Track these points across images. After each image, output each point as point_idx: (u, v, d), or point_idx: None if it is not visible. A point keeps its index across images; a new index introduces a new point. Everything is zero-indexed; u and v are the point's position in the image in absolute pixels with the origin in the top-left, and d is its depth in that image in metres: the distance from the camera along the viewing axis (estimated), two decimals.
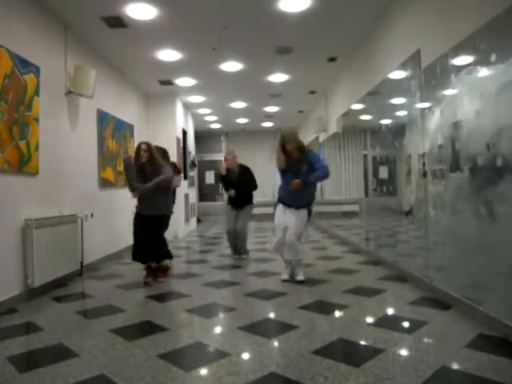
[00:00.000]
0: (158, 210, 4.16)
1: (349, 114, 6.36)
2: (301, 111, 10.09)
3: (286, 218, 3.98)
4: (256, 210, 11.66)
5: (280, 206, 4.08)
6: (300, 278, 3.98)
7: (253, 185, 5.43)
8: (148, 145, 4.21)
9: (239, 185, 5.33)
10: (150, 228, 4.14)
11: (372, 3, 4.24)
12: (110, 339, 2.58)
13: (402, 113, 4.29)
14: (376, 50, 4.85)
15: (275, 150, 4.16)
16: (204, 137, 12.67)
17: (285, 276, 4.06)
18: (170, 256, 4.38)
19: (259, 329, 2.71)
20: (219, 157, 13.09)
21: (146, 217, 4.13)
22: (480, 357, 2.16)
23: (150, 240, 4.14)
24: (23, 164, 3.59)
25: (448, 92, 3.14)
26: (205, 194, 12.84)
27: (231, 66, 6.14)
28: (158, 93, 7.61)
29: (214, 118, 10.71)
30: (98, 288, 4.05)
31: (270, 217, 12.56)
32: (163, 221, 4.28)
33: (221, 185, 5.69)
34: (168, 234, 4.61)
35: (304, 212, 4.02)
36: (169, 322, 2.89)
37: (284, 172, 4.01)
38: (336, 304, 3.22)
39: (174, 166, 4.99)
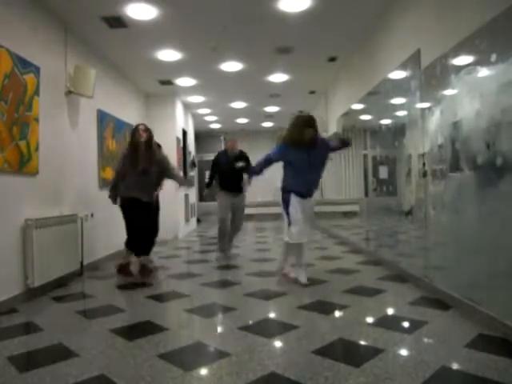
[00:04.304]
0: (151, 197, 4.24)
1: (349, 114, 6.36)
2: (301, 111, 10.05)
3: (304, 209, 3.85)
4: (256, 210, 11.65)
5: (295, 198, 3.80)
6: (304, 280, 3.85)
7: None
8: (146, 126, 4.28)
9: (228, 169, 5.22)
10: (150, 215, 4.19)
11: (372, 3, 4.24)
12: (110, 339, 2.58)
13: (402, 113, 4.29)
14: (376, 49, 4.85)
15: (292, 125, 3.85)
16: (204, 137, 12.67)
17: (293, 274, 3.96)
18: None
19: (259, 329, 2.71)
20: None
21: (144, 203, 4.15)
22: (480, 357, 2.16)
23: (151, 229, 4.24)
24: (23, 164, 3.59)
25: (448, 92, 3.14)
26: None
27: (231, 65, 6.14)
28: (158, 93, 7.60)
29: (213, 118, 10.72)
30: (98, 288, 4.05)
31: (270, 217, 12.50)
32: (156, 208, 4.38)
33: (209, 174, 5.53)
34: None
35: (313, 200, 3.99)
36: (169, 322, 2.89)
37: (291, 158, 3.82)
38: (336, 304, 3.22)
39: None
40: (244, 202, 5.44)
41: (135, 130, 4.21)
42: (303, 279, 3.84)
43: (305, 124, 3.78)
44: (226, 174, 5.28)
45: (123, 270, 4.36)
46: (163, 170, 4.33)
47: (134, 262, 4.37)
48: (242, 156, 5.37)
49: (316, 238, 7.36)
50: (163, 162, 4.30)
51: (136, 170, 4.10)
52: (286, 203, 3.88)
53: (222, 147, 12.94)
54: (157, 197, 4.40)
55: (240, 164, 5.11)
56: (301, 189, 3.83)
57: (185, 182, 4.37)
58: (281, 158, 3.93)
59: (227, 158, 5.34)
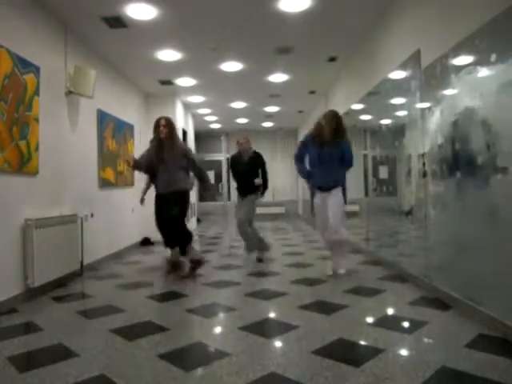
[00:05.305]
0: (179, 185, 4.16)
1: (349, 114, 6.36)
2: (301, 111, 10.09)
3: (326, 205, 4.10)
4: (256, 210, 11.60)
5: (318, 196, 4.17)
6: (341, 271, 4.10)
7: (258, 173, 5.27)
8: (167, 119, 4.23)
9: (244, 172, 5.26)
10: (173, 207, 4.12)
11: (372, 3, 4.23)
12: (110, 339, 2.59)
13: (402, 113, 4.29)
14: (376, 49, 4.85)
15: (321, 121, 4.11)
16: (204, 137, 12.67)
17: (329, 271, 4.18)
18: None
19: (259, 329, 2.71)
20: (219, 157, 13.10)
21: (167, 195, 4.15)
22: (480, 357, 2.16)
23: (172, 223, 4.18)
24: (23, 164, 3.59)
25: (448, 92, 3.14)
26: (205, 193, 12.82)
27: (231, 65, 6.14)
28: (158, 93, 7.60)
29: (214, 118, 10.71)
30: (98, 288, 4.05)
31: (271, 217, 12.45)
32: (185, 197, 4.29)
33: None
34: None
35: (338, 192, 4.09)
36: (169, 322, 2.89)
37: (312, 151, 4.12)
38: (336, 304, 3.22)
39: None
40: (250, 202, 5.34)
41: (156, 126, 4.24)
42: (341, 270, 4.17)
43: (324, 119, 4.06)
44: (242, 176, 5.27)
45: (171, 269, 4.47)
46: (190, 164, 4.28)
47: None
48: (256, 157, 5.31)
49: (315, 238, 7.35)
50: (186, 155, 4.23)
51: (156, 161, 4.21)
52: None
53: (222, 147, 13.08)
54: (183, 189, 4.23)
55: (257, 181, 5.19)
56: (318, 181, 4.16)
57: (210, 186, 4.20)
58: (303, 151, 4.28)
59: (242, 159, 5.30)
